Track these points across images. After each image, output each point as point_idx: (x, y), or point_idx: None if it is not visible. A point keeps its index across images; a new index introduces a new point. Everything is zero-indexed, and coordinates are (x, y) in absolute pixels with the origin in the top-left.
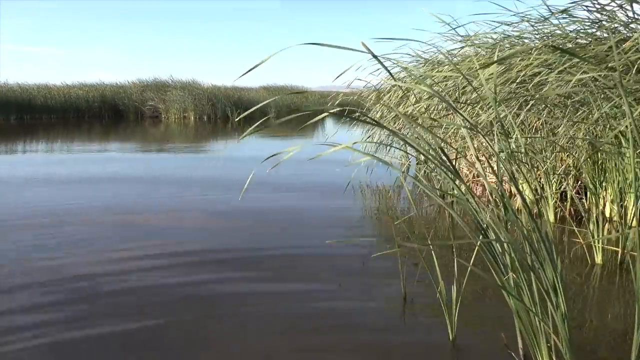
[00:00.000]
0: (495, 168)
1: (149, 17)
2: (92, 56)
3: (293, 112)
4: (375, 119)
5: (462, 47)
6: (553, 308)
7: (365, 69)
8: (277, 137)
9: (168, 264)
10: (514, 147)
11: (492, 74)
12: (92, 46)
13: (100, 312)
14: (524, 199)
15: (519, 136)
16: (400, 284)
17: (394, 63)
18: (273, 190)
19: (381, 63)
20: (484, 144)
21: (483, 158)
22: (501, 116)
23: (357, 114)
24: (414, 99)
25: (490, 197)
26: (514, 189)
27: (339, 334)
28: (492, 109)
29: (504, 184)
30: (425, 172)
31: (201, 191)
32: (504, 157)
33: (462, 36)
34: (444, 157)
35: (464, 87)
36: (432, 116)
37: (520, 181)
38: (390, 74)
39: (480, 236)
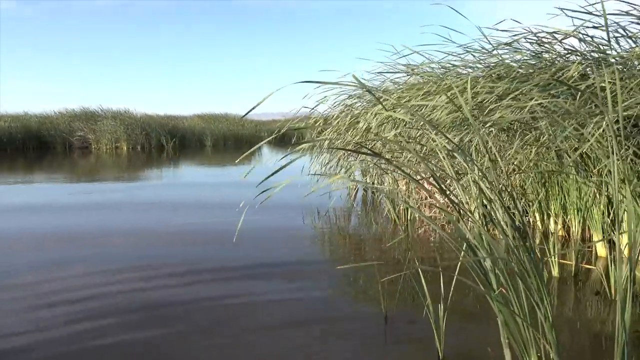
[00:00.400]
0: (475, 189)
1: (75, 45)
2: (9, 87)
3: (230, 140)
4: (326, 144)
5: (409, 76)
6: (542, 317)
7: (311, 97)
8: (213, 165)
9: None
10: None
11: (452, 98)
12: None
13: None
14: (511, 217)
15: (499, 160)
16: (381, 304)
17: (348, 88)
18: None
19: (373, 94)
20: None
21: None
22: (464, 141)
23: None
24: (365, 124)
25: (471, 215)
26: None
27: (322, 351)
28: (454, 134)
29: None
30: (372, 196)
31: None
32: (488, 179)
33: (404, 65)
34: (417, 179)
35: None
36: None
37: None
38: (383, 105)
39: (464, 252)
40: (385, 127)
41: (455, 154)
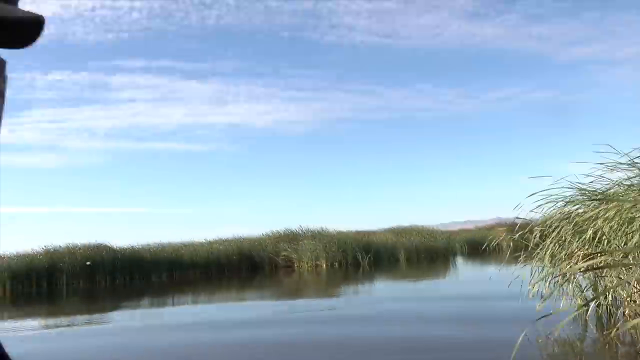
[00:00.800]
0: None
1: (270, 177)
2: (221, 213)
3: (422, 254)
4: (543, 256)
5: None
6: None
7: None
8: (408, 279)
9: None
10: None
11: None
12: (219, 204)
13: None
14: None
15: None
16: None
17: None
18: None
19: None
20: None
21: None
22: None
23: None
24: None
25: None
26: None
27: None
28: None
29: None
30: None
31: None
32: None
33: (626, 164)
34: None
35: None
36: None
37: None
38: None
39: None
40: (625, 237)
41: None
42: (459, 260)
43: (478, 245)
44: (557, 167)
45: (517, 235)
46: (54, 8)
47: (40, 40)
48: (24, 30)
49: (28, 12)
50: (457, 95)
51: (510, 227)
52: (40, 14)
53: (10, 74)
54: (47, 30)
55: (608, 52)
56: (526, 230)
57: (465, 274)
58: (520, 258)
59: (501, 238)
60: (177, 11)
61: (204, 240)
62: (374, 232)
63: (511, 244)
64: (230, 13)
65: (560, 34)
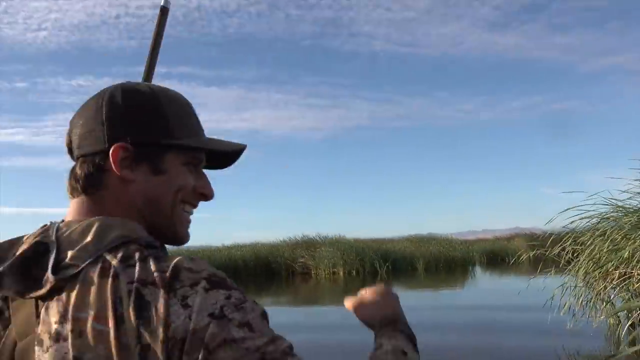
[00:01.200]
0: None
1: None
2: (238, 218)
3: (441, 263)
4: (576, 274)
5: None
6: None
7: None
8: (426, 288)
9: None
10: None
11: None
12: (237, 209)
13: None
14: None
15: None
16: None
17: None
18: None
19: None
20: None
21: None
22: None
23: None
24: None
25: None
26: None
27: None
28: None
29: None
30: None
31: None
32: None
33: None
34: None
35: None
36: None
37: None
38: None
39: None
40: None
41: None
42: (478, 270)
43: (496, 256)
44: (579, 178)
45: (548, 251)
46: (80, 16)
47: (65, 47)
48: (233, 157)
49: (237, 144)
50: (478, 104)
51: (532, 238)
52: (244, 143)
53: (36, 79)
54: (73, 37)
55: (633, 62)
56: (558, 245)
57: (489, 286)
58: (550, 273)
59: (531, 254)
60: (199, 19)
61: (221, 245)
62: (391, 240)
63: (531, 255)
64: (251, 21)
65: (585, 44)
